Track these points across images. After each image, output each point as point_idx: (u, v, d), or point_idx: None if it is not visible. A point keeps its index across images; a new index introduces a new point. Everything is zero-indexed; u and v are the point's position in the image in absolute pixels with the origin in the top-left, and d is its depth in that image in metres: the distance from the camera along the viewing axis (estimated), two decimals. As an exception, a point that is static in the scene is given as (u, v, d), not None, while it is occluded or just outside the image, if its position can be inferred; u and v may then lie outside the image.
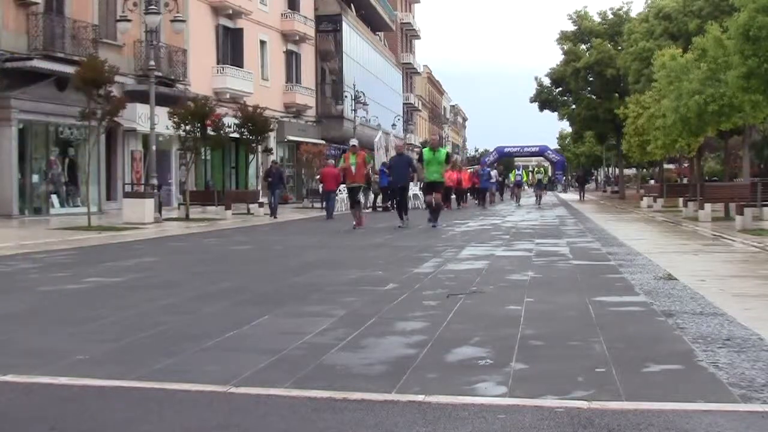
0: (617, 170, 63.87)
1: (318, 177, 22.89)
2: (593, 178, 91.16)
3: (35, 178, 24.37)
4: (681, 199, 24.27)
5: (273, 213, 23.72)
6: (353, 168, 17.22)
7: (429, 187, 17.40)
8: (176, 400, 3.44)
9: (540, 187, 38.33)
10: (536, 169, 38.59)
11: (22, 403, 3.44)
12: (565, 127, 73.08)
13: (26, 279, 8.33)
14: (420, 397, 3.38)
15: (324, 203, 26.60)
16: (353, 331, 4.95)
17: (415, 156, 25.84)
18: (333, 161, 29.08)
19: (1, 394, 3.57)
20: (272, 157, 26.95)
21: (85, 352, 4.40)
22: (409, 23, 77.29)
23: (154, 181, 21.58)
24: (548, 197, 51.93)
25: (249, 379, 3.72)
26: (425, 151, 17.85)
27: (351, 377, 3.80)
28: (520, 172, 40.95)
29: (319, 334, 4.89)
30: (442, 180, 17.78)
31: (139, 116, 26.62)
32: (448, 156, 18.03)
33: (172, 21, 23.62)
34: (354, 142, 18.96)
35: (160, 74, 26.13)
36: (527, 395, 3.40)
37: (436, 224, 17.00)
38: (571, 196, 61.29)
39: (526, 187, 44.64)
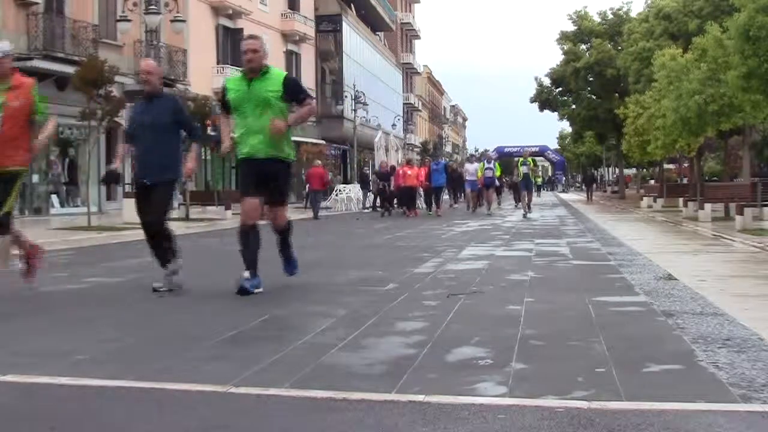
0: (617, 170, 63.85)
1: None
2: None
3: (35, 178, 24.38)
4: (681, 199, 24.26)
5: None
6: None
7: (248, 177, 6.79)
8: (176, 400, 3.44)
9: (528, 185, 24.26)
10: (521, 160, 24.98)
11: (22, 403, 3.44)
12: (565, 127, 73.22)
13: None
14: (420, 397, 3.37)
15: (307, 203, 26.39)
16: (353, 331, 4.95)
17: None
18: (320, 161, 28.96)
19: (1, 394, 3.56)
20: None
21: (85, 352, 4.40)
22: (409, 23, 77.37)
23: (154, 181, 21.56)
24: (547, 197, 51.83)
25: (249, 379, 3.72)
26: (229, 81, 6.92)
27: (351, 377, 3.80)
28: (491, 165, 26.52)
29: (319, 334, 4.89)
30: (281, 156, 6.75)
31: (139, 116, 26.60)
32: (292, 87, 6.75)
33: (172, 21, 23.65)
34: (4, 46, 6.68)
35: (160, 74, 26.12)
36: (527, 395, 3.40)
37: (291, 269, 7.25)
38: (572, 196, 61.27)
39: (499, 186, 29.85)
